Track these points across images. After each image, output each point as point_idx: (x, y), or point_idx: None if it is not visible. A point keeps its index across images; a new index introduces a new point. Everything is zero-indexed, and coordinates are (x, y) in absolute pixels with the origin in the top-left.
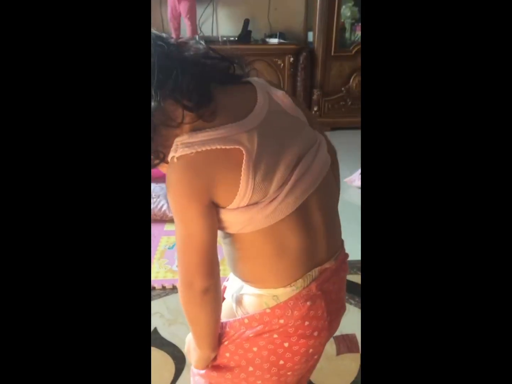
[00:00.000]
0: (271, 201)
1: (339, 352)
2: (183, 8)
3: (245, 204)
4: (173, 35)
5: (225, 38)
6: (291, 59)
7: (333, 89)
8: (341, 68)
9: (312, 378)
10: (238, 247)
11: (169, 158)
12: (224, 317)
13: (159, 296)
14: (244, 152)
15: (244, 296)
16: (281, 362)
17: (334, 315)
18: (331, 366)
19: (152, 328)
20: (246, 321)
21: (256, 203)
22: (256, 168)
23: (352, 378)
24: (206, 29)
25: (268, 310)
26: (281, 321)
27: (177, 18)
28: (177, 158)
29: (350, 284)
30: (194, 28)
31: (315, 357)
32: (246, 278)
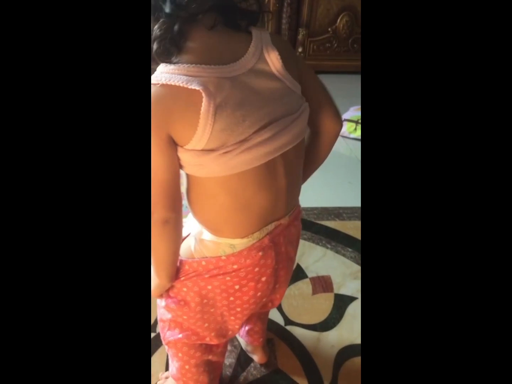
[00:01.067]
0: (226, 152)
1: (314, 292)
2: None
3: (201, 148)
4: None
5: None
6: None
7: (319, 29)
8: (328, 6)
9: (289, 314)
10: (195, 191)
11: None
12: (182, 254)
13: None
14: (204, 96)
15: (203, 240)
16: (231, 298)
17: (281, 264)
18: (306, 304)
19: None
20: (203, 263)
21: (212, 150)
22: (217, 116)
23: (325, 316)
24: None
25: (224, 257)
26: (235, 266)
27: None
28: (158, 78)
29: (327, 229)
30: None
31: (263, 299)
32: (204, 224)
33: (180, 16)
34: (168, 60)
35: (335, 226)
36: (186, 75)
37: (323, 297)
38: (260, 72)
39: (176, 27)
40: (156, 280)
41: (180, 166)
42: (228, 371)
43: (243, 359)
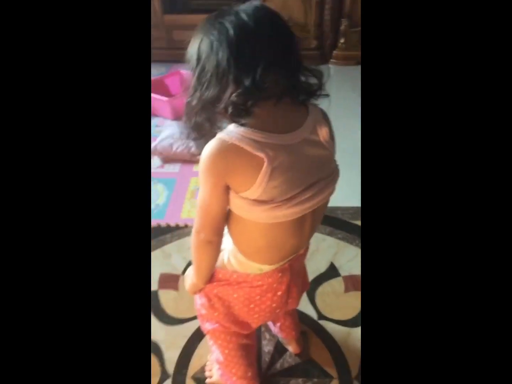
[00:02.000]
0: (274, 206)
1: (346, 290)
2: None
3: (253, 198)
4: None
5: None
6: None
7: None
8: None
9: (322, 310)
10: (236, 225)
11: (217, 135)
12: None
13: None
14: (265, 161)
15: (236, 257)
16: (252, 306)
17: (293, 282)
18: (338, 301)
19: (187, 261)
20: (234, 276)
21: (262, 201)
22: (272, 177)
23: (356, 313)
24: None
25: (251, 276)
26: (259, 282)
27: None
28: (218, 138)
29: (358, 228)
30: None
31: (277, 311)
32: (239, 249)
33: (256, 94)
34: (239, 122)
35: None
36: (253, 140)
37: (355, 295)
38: (312, 141)
39: (250, 102)
40: (194, 281)
41: (231, 206)
42: (267, 357)
43: (280, 348)
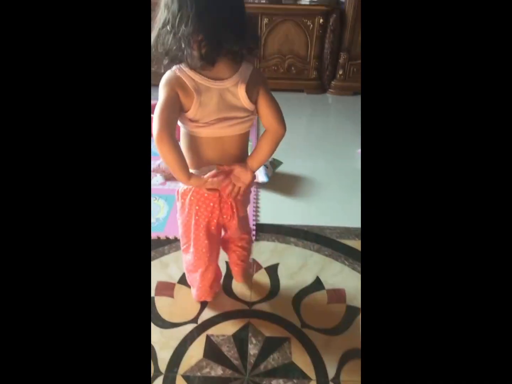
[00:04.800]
0: (200, 126)
1: (329, 301)
2: None
3: (190, 118)
4: None
5: None
6: (321, 20)
7: (359, 53)
8: None
9: (305, 318)
10: (184, 142)
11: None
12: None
13: None
14: (195, 96)
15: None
16: (197, 207)
17: (223, 201)
18: (321, 311)
19: (182, 272)
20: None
21: (194, 120)
22: (199, 106)
23: (336, 323)
24: None
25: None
26: (191, 189)
27: None
28: (173, 70)
29: (347, 247)
30: None
31: (214, 221)
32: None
33: (217, 51)
34: (186, 65)
35: (354, 245)
36: (192, 79)
37: (337, 306)
38: (230, 91)
39: (213, 56)
40: (181, 181)
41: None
42: (252, 360)
43: (264, 352)
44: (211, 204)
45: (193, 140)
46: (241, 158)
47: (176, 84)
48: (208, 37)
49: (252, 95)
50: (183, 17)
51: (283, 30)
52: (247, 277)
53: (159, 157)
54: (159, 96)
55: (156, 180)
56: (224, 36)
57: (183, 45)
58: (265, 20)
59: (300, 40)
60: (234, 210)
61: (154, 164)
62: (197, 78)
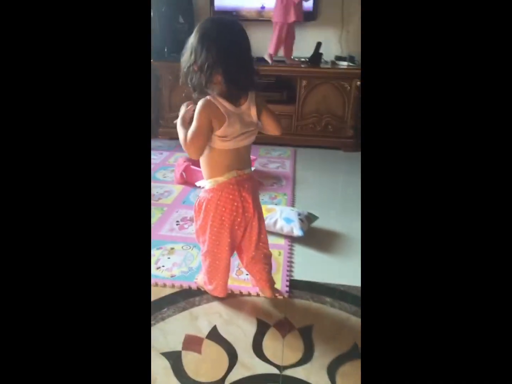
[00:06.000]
0: (227, 140)
1: None
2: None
3: (219, 135)
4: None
5: (296, 59)
6: (358, 83)
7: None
8: None
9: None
10: (210, 155)
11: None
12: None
13: (220, 298)
14: (226, 119)
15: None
16: (223, 209)
17: (246, 200)
18: (359, 381)
19: (212, 326)
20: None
21: (223, 137)
22: (227, 126)
23: None
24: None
25: (215, 185)
26: (220, 192)
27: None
28: (207, 97)
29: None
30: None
31: (238, 219)
32: (207, 170)
33: (234, 87)
34: (219, 95)
35: None
36: (222, 105)
37: None
38: (246, 113)
39: (233, 91)
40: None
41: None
42: None
43: None
44: (235, 203)
45: (216, 154)
46: (249, 160)
47: (210, 111)
48: (227, 80)
49: (258, 113)
50: (206, 63)
51: (320, 91)
52: (273, 289)
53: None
54: (195, 120)
55: (191, 229)
56: (240, 79)
57: (206, 83)
58: (304, 83)
59: (338, 101)
60: (254, 208)
61: (192, 213)
62: (227, 105)
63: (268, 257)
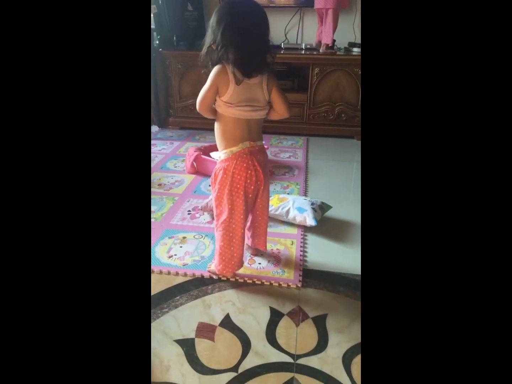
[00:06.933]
0: (232, 106)
1: None
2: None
3: (224, 101)
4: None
5: (308, 46)
6: None
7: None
8: None
9: (356, 379)
10: (219, 123)
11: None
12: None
13: (232, 287)
14: (232, 85)
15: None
16: (238, 176)
17: (258, 168)
18: None
19: (225, 314)
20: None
21: (228, 103)
22: (233, 92)
23: None
24: (292, 37)
25: (231, 155)
26: (234, 162)
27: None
28: (221, 63)
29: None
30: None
31: (251, 187)
32: (222, 141)
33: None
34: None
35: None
36: (233, 73)
37: None
38: (257, 87)
39: (247, 68)
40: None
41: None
42: None
43: None
44: (249, 171)
45: (229, 126)
46: (260, 134)
47: (220, 75)
48: (237, 62)
49: (269, 89)
50: (222, 43)
51: (333, 79)
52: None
53: (208, 197)
54: (209, 79)
55: (203, 218)
56: (250, 62)
57: (222, 58)
58: (316, 70)
59: (351, 88)
60: (265, 177)
61: (203, 202)
62: (237, 74)
63: (267, 217)
